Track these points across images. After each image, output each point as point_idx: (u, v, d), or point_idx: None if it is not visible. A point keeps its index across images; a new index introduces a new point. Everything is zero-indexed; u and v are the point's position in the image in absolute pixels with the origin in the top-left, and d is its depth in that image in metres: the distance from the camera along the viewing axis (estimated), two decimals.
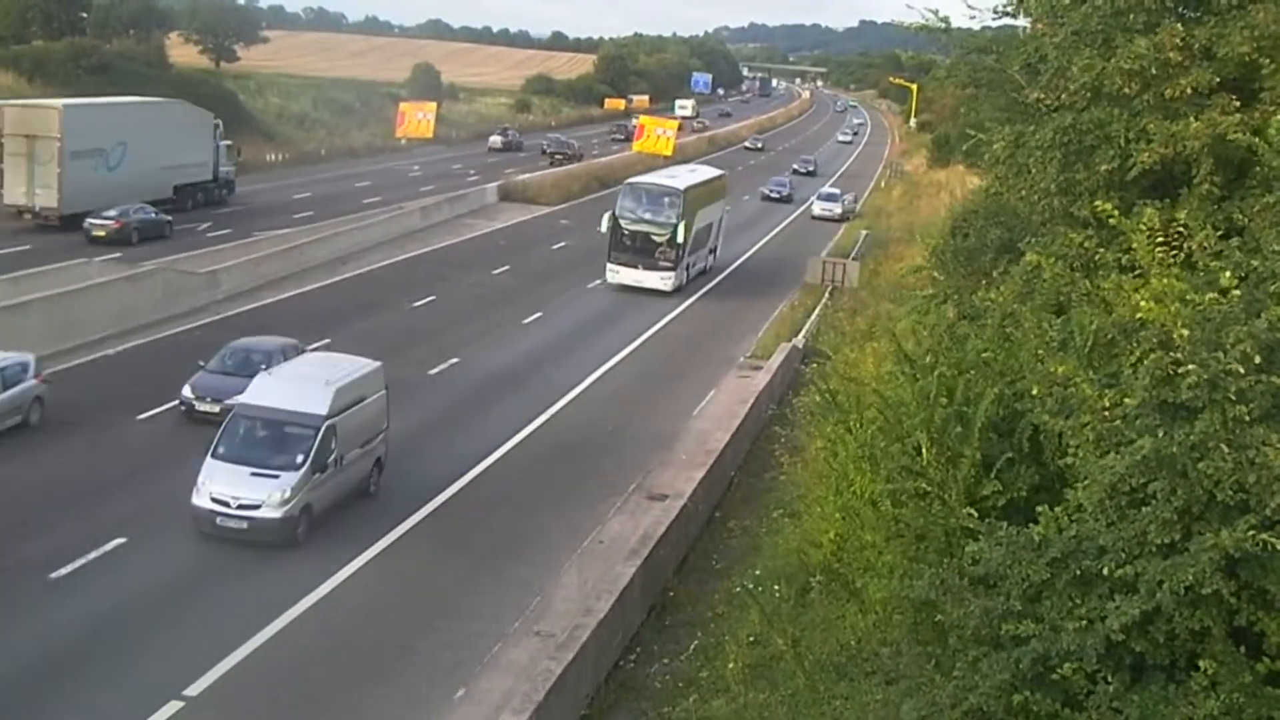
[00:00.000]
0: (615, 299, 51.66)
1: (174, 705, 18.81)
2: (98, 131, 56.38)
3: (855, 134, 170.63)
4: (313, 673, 20.27)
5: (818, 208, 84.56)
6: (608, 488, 29.67)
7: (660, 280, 52.25)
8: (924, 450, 15.57)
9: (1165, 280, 11.04)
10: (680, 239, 52.28)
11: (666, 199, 53.44)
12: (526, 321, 45.96)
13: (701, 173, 63.20)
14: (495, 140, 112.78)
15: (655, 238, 52.38)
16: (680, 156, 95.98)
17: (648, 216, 52.75)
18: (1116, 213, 13.69)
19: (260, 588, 22.61)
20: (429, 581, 23.87)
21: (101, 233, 51.78)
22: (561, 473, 30.59)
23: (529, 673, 19.62)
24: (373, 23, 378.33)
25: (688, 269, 54.69)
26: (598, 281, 53.44)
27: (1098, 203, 15.15)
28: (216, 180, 65.43)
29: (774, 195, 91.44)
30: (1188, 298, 10.85)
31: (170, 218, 56.16)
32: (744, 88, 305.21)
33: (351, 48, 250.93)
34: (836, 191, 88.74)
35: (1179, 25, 16.57)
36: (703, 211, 56.51)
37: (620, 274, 52.56)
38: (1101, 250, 16.66)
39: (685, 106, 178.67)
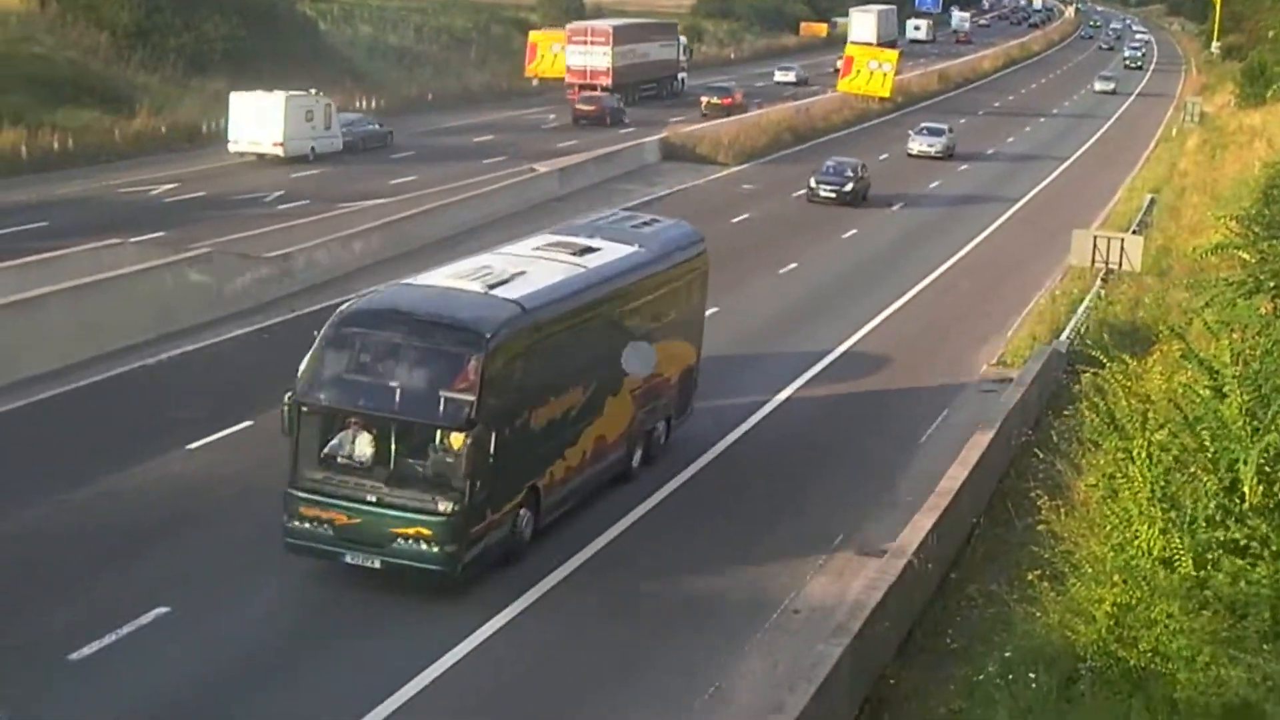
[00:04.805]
0: (794, 302, 50.45)
1: None
2: None
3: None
4: None
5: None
6: (806, 537, 29.60)
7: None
8: (1247, 487, 15.10)
9: None
10: None
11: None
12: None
13: None
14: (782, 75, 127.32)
15: None
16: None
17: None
18: None
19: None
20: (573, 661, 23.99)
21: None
22: (743, 517, 30.52)
23: None
24: None
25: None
26: (792, 265, 53.59)
27: None
28: None
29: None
30: None
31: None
32: (985, 4, 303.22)
33: None
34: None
35: None
36: None
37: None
38: None
39: (919, 28, 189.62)
